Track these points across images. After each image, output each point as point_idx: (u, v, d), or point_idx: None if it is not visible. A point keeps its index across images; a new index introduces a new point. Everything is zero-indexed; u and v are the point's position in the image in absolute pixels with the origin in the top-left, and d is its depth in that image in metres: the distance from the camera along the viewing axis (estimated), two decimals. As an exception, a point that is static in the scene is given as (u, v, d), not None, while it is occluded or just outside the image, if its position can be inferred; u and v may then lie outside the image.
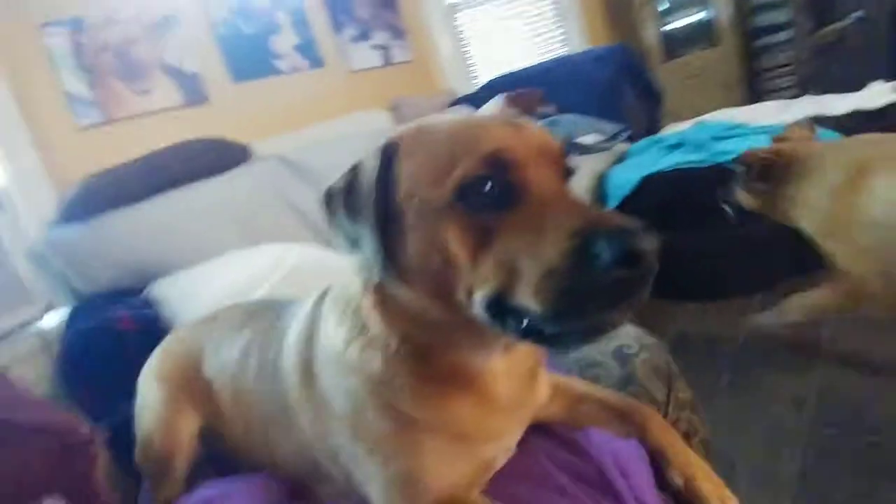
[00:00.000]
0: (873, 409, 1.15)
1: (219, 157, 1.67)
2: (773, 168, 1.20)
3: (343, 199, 0.49)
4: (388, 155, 0.47)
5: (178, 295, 1.24)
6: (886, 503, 0.94)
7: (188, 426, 0.77)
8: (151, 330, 1.14)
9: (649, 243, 0.36)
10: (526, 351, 0.57)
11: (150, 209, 1.45)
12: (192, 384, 0.79)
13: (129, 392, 0.89)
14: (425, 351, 0.51)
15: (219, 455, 0.82)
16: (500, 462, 0.59)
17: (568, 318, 0.39)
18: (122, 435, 0.83)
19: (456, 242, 0.42)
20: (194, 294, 1.20)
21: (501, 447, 0.58)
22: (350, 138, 2.02)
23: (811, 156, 1.16)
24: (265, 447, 0.71)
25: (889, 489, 0.97)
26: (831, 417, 1.17)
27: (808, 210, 1.16)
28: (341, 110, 2.28)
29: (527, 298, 0.39)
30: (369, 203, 0.46)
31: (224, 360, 0.76)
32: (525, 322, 0.41)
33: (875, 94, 1.81)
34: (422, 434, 0.52)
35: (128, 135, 1.70)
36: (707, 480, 0.58)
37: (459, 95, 2.73)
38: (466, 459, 0.54)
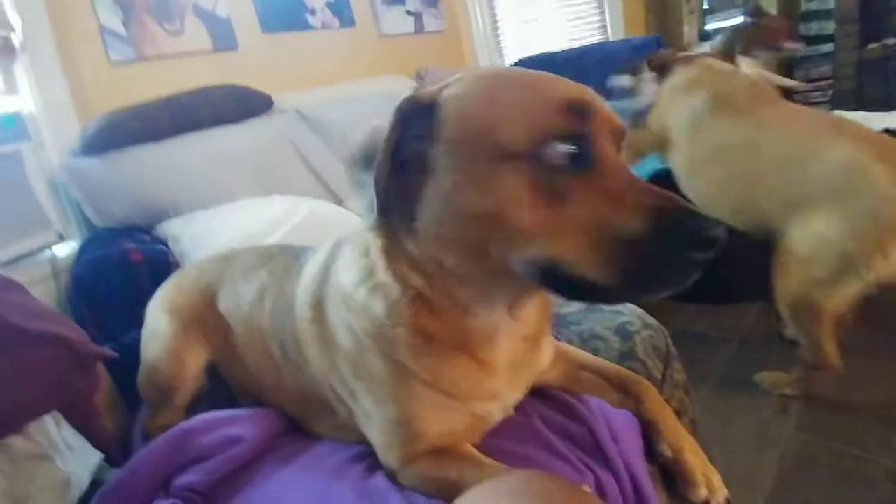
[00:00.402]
0: (854, 421, 1.18)
1: (243, 105, 1.67)
2: (665, 66, 1.52)
3: (363, 150, 0.48)
4: (427, 104, 0.45)
5: (190, 234, 1.26)
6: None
7: (196, 359, 0.79)
8: (160, 264, 1.17)
9: (723, 234, 0.37)
10: (531, 317, 0.57)
11: (169, 149, 1.46)
12: (204, 319, 0.80)
13: (134, 322, 0.91)
14: (427, 304, 0.51)
15: (221, 396, 0.84)
16: (497, 419, 0.60)
17: (631, 288, 0.39)
18: (124, 362, 0.85)
19: (516, 197, 0.40)
20: (207, 234, 1.22)
21: (498, 406, 0.59)
22: (371, 101, 2.01)
23: (680, 67, 1.47)
24: (275, 385, 0.72)
25: (861, 499, 0.99)
26: (813, 425, 1.20)
27: (657, 101, 1.51)
28: (366, 73, 2.25)
29: (590, 267, 0.38)
30: (386, 145, 0.44)
31: (240, 298, 0.77)
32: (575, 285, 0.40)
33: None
34: (417, 385, 0.53)
35: (157, 74, 1.69)
36: (694, 455, 0.59)
37: (487, 73, 2.69)
38: (460, 414, 0.55)
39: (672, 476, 0.60)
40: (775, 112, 1.28)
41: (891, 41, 2.58)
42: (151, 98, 1.51)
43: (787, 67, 3.01)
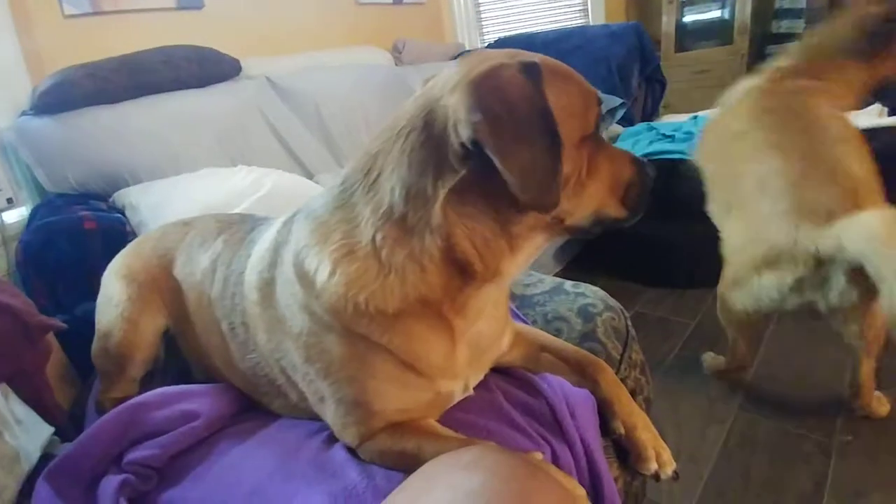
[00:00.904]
0: (794, 400, 1.27)
1: (208, 69, 1.59)
2: None
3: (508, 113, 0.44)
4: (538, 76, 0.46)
5: (148, 203, 1.21)
6: (793, 485, 1.05)
7: (152, 324, 0.76)
8: (116, 233, 1.12)
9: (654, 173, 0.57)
10: (499, 299, 0.58)
11: (127, 111, 1.39)
12: (161, 284, 0.77)
13: (87, 293, 0.87)
14: (424, 291, 0.49)
15: (176, 371, 0.82)
16: (457, 398, 0.60)
17: (634, 214, 0.55)
18: (76, 334, 0.82)
19: (584, 165, 0.50)
20: (166, 204, 1.17)
21: (460, 385, 0.59)
22: (344, 72, 1.95)
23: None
24: (223, 361, 0.71)
25: (795, 474, 1.07)
26: (757, 404, 1.28)
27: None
28: (341, 42, 2.18)
29: (615, 210, 0.54)
30: (541, 117, 0.44)
31: (195, 265, 0.75)
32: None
33: (860, 116, 1.84)
34: (380, 362, 0.52)
35: (114, 30, 1.59)
36: (646, 432, 0.62)
37: (466, 49, 2.65)
38: (424, 391, 0.56)
39: (625, 450, 0.62)
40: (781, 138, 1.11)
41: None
42: (108, 56, 1.42)
43: (758, 63, 3.08)
